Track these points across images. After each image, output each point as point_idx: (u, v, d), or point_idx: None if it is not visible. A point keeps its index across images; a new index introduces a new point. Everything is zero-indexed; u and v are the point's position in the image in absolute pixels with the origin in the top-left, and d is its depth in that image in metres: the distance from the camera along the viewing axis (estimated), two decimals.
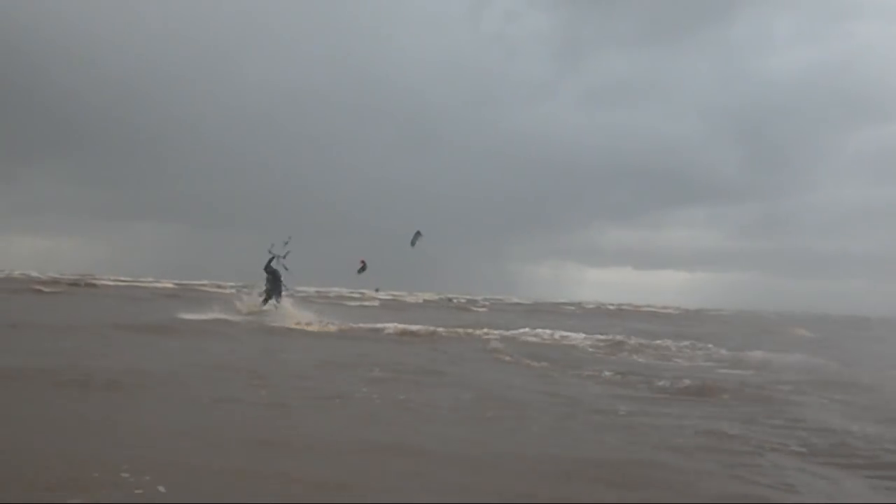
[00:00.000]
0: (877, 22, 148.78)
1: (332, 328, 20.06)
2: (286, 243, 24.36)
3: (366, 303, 42.79)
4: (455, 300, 61.54)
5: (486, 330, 21.83)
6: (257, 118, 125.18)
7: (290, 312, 23.29)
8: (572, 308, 61.33)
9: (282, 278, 24.39)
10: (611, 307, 72.49)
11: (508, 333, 21.03)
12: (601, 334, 22.24)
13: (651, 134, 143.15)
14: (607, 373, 12.69)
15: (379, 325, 20.81)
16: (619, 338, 20.99)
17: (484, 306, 50.83)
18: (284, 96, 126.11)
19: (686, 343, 20.62)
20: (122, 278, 58.06)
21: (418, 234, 24.98)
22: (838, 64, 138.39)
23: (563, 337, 20.97)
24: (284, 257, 24.33)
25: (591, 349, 17.97)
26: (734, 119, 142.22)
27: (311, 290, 48.57)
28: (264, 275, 24.33)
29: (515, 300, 74.90)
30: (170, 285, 53.85)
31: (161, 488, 4.99)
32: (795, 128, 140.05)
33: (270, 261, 24.33)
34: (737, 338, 26.14)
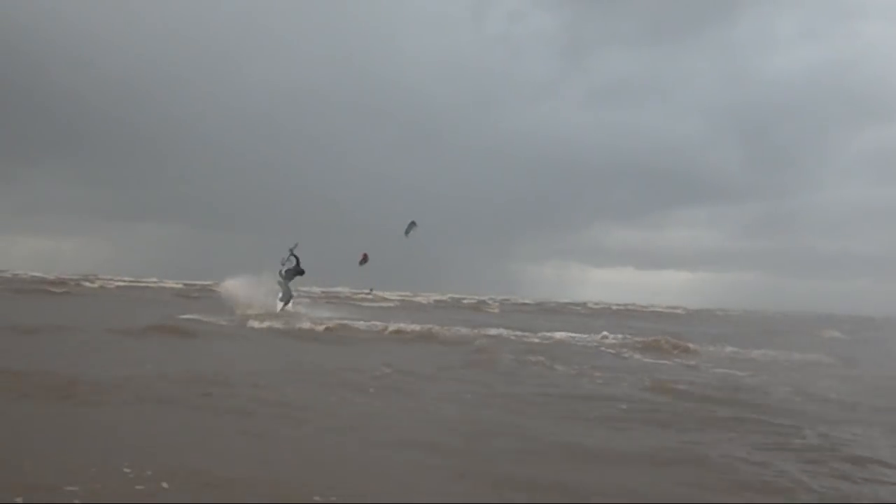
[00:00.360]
0: (881, 22, 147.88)
1: (337, 327, 20.00)
2: (293, 249, 24.51)
3: (381, 304, 42.66)
4: (465, 300, 61.30)
5: (511, 331, 21.72)
6: (258, 118, 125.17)
7: (300, 313, 23.46)
8: (578, 308, 61.13)
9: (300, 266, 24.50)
10: (617, 308, 72.22)
11: (550, 338, 20.55)
12: (630, 336, 22.07)
13: (654, 133, 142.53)
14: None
15: (408, 327, 20.58)
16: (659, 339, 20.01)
17: (495, 307, 50.71)
18: (285, 96, 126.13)
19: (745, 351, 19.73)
20: (126, 278, 58.16)
21: (413, 224, 25.05)
22: (842, 63, 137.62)
23: (585, 339, 20.96)
24: (294, 256, 24.42)
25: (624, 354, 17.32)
26: (737, 119, 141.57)
27: (317, 290, 48.62)
28: (278, 278, 24.47)
29: (520, 300, 74.67)
30: (177, 285, 53.95)
31: (164, 484, 5.06)
32: (799, 127, 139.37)
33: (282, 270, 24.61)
34: (781, 340, 25.68)
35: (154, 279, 61.37)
